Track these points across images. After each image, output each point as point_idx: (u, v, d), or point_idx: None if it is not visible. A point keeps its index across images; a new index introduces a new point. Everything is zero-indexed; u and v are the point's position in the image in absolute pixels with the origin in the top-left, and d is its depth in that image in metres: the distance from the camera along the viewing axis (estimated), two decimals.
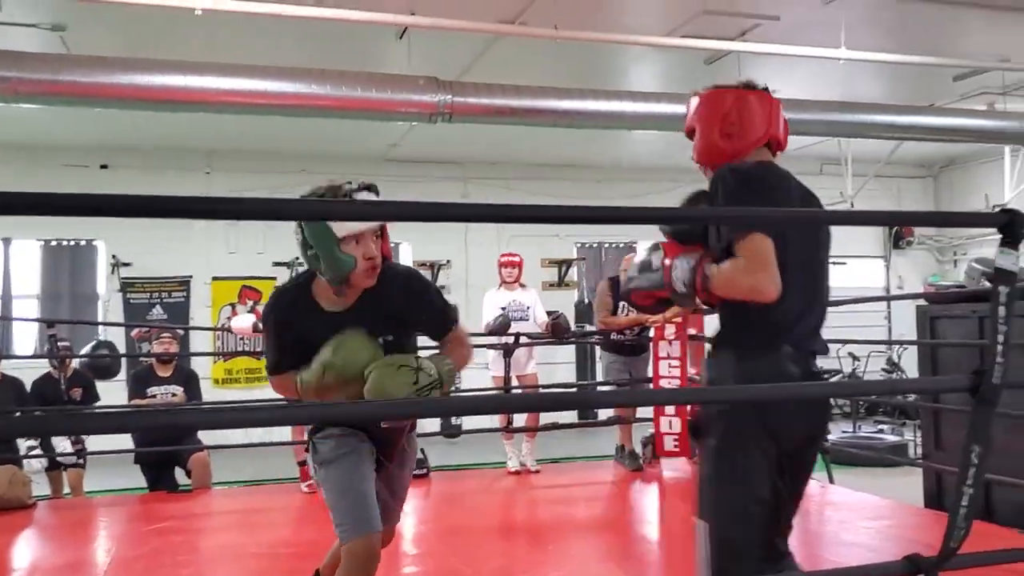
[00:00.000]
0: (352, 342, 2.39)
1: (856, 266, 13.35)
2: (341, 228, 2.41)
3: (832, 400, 12.20)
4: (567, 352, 11.08)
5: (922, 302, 5.83)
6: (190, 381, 6.28)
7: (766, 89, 2.35)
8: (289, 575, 4.01)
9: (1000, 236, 1.65)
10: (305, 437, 2.69)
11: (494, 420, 8.01)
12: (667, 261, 2.17)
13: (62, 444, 6.03)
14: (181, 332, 9.17)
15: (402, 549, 4.64)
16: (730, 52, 7.04)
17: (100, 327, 10.55)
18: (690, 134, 2.39)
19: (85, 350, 7.03)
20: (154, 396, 6.08)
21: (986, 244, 12.02)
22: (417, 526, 5.17)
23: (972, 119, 8.06)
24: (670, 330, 6.12)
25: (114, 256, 10.99)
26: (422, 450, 6.33)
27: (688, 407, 6.38)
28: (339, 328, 2.43)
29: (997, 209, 1.78)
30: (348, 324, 2.44)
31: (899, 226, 13.11)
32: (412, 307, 2.58)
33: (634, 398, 5.56)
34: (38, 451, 5.97)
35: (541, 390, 6.89)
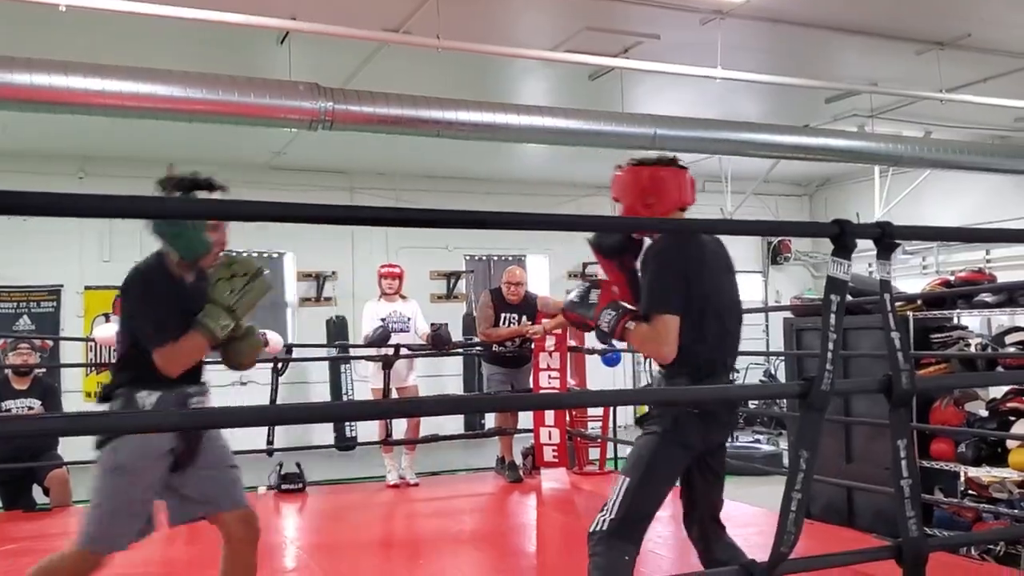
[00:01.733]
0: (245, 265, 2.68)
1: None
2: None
3: None
4: (454, 364, 11.02)
5: (789, 315, 6.04)
6: (48, 394, 5.95)
7: (675, 161, 2.85)
8: None
9: (833, 248, 1.71)
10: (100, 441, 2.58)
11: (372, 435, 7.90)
12: (599, 306, 2.68)
13: None
14: (40, 343, 8.71)
15: (275, 565, 4.50)
16: (613, 68, 7.16)
17: None
18: (616, 200, 2.87)
19: None
20: (9, 410, 5.75)
21: (860, 260, 12.61)
22: (291, 543, 5.03)
23: (843, 140, 8.41)
24: (550, 342, 6.16)
25: None
26: (297, 464, 6.20)
27: (567, 419, 6.44)
28: (198, 294, 2.65)
29: None
30: (201, 292, 2.66)
31: (741, 234, 13.59)
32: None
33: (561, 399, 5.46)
34: None
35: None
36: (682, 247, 2.66)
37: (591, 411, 6.99)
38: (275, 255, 11.80)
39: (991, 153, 9.38)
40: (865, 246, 1.79)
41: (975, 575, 4.19)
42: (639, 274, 2.75)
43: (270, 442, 6.02)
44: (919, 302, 5.14)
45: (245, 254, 12.13)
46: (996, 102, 8.04)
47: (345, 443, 10.29)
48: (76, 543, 2.55)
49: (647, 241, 2.77)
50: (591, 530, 2.53)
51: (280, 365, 6.14)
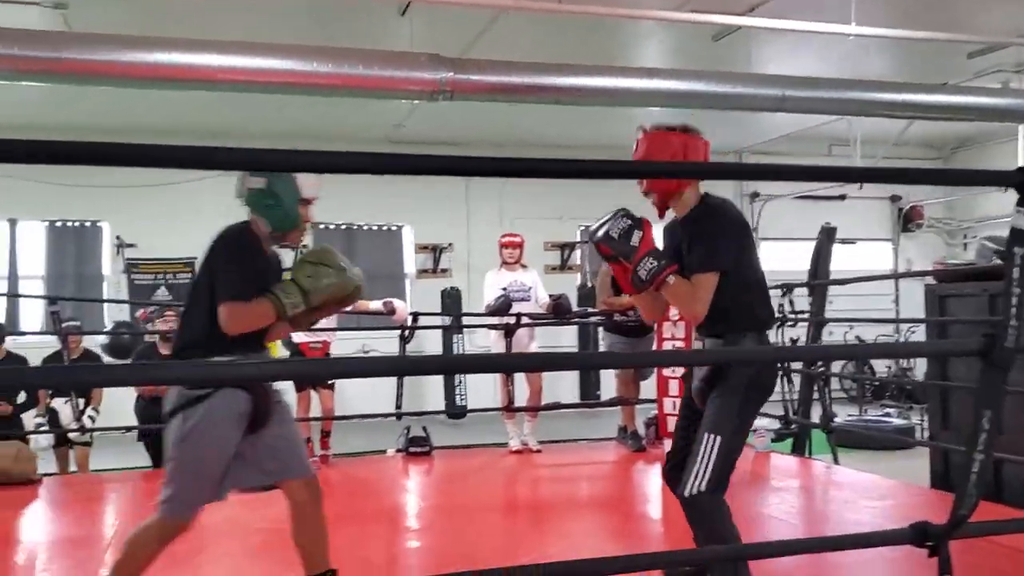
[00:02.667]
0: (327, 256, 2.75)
1: (864, 249, 13.25)
2: (306, 190, 2.75)
3: (840, 384, 12.15)
4: (570, 334, 11.03)
5: (931, 281, 5.74)
6: None
7: (698, 132, 2.84)
8: (289, 550, 3.98)
9: (1017, 198, 1.60)
10: (179, 398, 2.60)
11: (497, 402, 7.98)
12: (640, 251, 2.60)
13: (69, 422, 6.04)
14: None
15: (404, 525, 4.62)
16: (739, 28, 6.93)
17: (105, 308, 10.55)
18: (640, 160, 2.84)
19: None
20: None
21: (998, 227, 11.91)
22: (419, 503, 5.15)
23: (986, 97, 7.90)
24: (674, 311, 6.05)
25: (118, 237, 10.96)
26: (424, 428, 6.32)
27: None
28: (273, 269, 2.77)
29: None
30: (275, 266, 2.80)
31: (904, 182, 12.90)
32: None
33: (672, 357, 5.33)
34: (46, 428, 5.96)
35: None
36: (735, 211, 2.76)
37: None
38: (394, 228, 12.03)
39: None
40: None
41: None
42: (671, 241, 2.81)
43: (398, 406, 6.16)
44: None
45: (367, 227, 12.48)
46: None
47: (456, 411, 10.47)
48: (157, 511, 2.61)
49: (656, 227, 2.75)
50: (690, 493, 2.57)
51: (407, 333, 6.26)
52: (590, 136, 11.12)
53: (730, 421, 2.60)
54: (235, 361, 2.50)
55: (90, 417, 6.13)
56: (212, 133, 10.86)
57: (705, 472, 2.55)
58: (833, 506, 4.88)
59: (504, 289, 6.40)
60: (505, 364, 4.37)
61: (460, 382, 11.18)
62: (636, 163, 2.66)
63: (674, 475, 2.78)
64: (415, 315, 6.49)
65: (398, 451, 6.25)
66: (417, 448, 6.16)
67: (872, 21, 6.52)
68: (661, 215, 2.85)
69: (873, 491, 5.06)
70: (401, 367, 2.06)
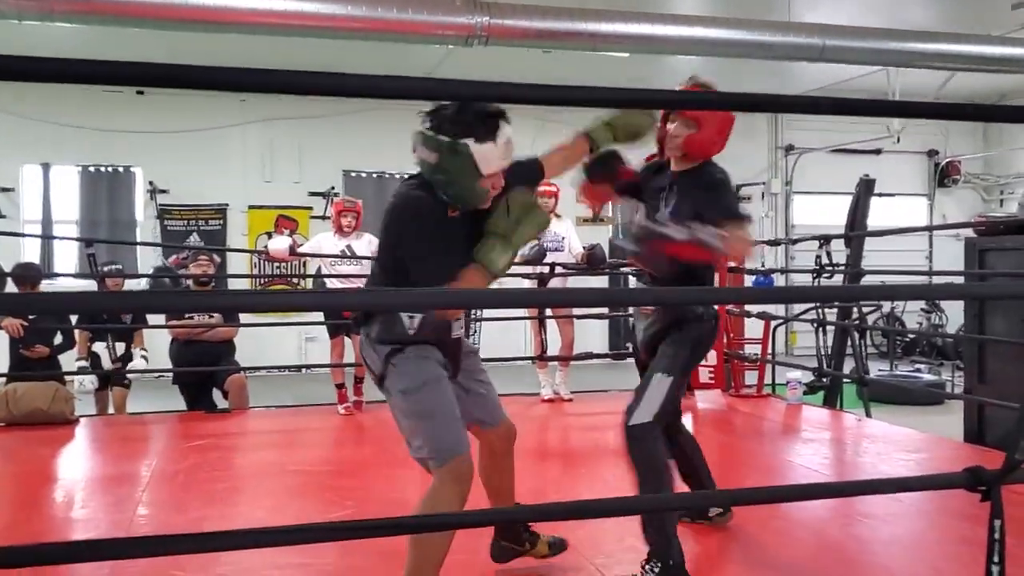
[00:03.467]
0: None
1: (899, 204, 13.07)
2: (487, 167, 2.41)
3: (871, 340, 12.07)
4: (601, 284, 11.01)
5: (970, 234, 5.65)
6: None
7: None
8: (326, 491, 4.07)
9: None
10: (378, 359, 2.53)
11: (527, 351, 8.01)
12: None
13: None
14: (218, 258, 9.21)
15: None
16: None
17: (139, 253, 10.66)
18: (690, 121, 2.93)
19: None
20: (191, 317, 6.13)
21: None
22: None
23: None
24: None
25: (151, 183, 11.02)
26: None
27: (724, 341, 6.33)
28: (460, 232, 2.46)
29: None
30: (465, 230, 2.46)
31: (943, 118, 12.59)
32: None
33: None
34: (89, 369, 6.06)
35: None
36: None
37: (748, 334, 6.83)
38: (406, 176, 11.97)
39: None
40: None
41: None
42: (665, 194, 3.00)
43: None
44: None
45: (399, 176, 12.42)
46: None
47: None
48: (435, 467, 2.46)
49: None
50: (635, 423, 2.83)
51: None
52: (625, 84, 10.98)
53: (680, 367, 2.91)
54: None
55: (143, 358, 6.22)
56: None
57: (652, 407, 2.83)
58: (867, 458, 4.87)
59: (538, 238, 6.37)
60: (532, 300, 4.40)
61: (475, 331, 11.22)
62: (686, 93, 2.77)
63: None
64: None
65: None
66: None
67: None
68: (663, 156, 3.11)
69: (907, 444, 5.05)
70: (435, 301, 2.01)
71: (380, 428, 5.66)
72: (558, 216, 6.63)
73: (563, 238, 6.47)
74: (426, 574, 2.45)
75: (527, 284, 6.46)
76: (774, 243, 9.91)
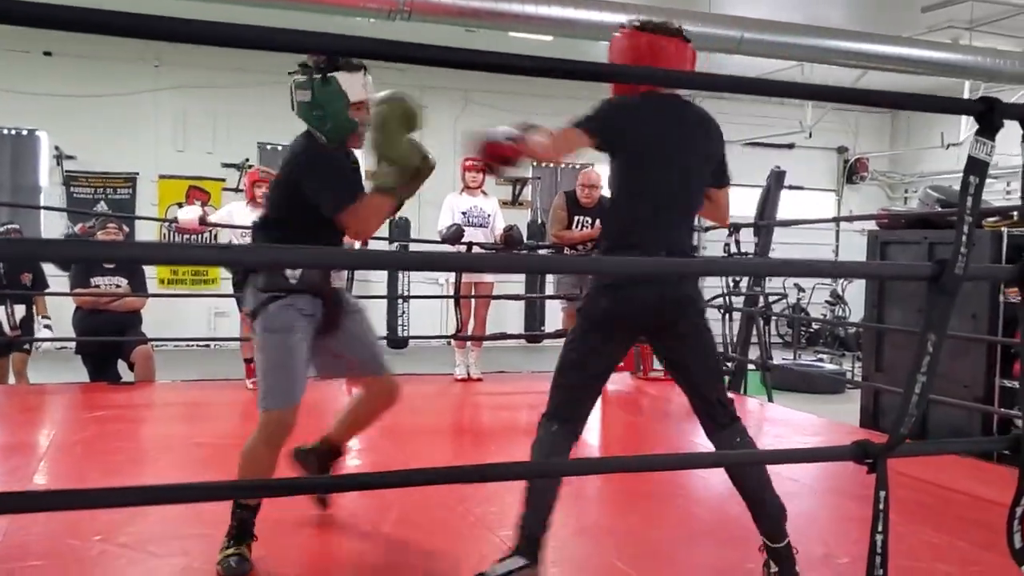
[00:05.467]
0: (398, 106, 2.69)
1: (809, 198, 13.49)
2: (353, 95, 2.71)
3: (776, 329, 12.41)
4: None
5: (874, 227, 5.88)
6: (136, 272, 6.12)
7: (680, 32, 2.56)
8: (232, 464, 3.99)
9: (977, 127, 1.63)
10: (255, 302, 2.71)
11: (442, 331, 8.01)
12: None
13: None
14: (127, 227, 8.93)
15: (348, 445, 4.65)
16: None
17: (43, 219, 10.26)
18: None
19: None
20: (98, 286, 5.93)
21: (938, 181, 12.20)
22: None
23: (938, 51, 8.05)
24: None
25: (57, 148, 10.60)
26: None
27: None
28: (347, 165, 2.79)
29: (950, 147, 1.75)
30: (354, 169, 2.83)
31: (866, 104, 13.09)
32: None
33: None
34: None
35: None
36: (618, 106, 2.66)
37: None
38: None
39: None
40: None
41: None
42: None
43: None
44: (1015, 216, 4.95)
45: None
46: None
47: (398, 340, 10.50)
48: (260, 409, 2.70)
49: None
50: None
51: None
52: None
53: (565, 352, 2.58)
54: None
55: (47, 327, 6.00)
56: (160, 45, 10.48)
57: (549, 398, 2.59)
58: (767, 439, 5.03)
59: (464, 213, 6.36)
60: (454, 263, 4.40)
61: (403, 312, 11.18)
62: (606, 65, 2.41)
63: None
64: (364, 242, 6.42)
65: None
66: None
67: None
68: None
69: (805, 428, 5.24)
70: (344, 260, 2.06)
71: None
72: (486, 194, 6.62)
73: (489, 215, 6.47)
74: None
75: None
76: None
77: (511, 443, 4.61)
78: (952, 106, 1.84)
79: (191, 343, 10.42)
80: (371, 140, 2.66)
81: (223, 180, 11.22)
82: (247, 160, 11.12)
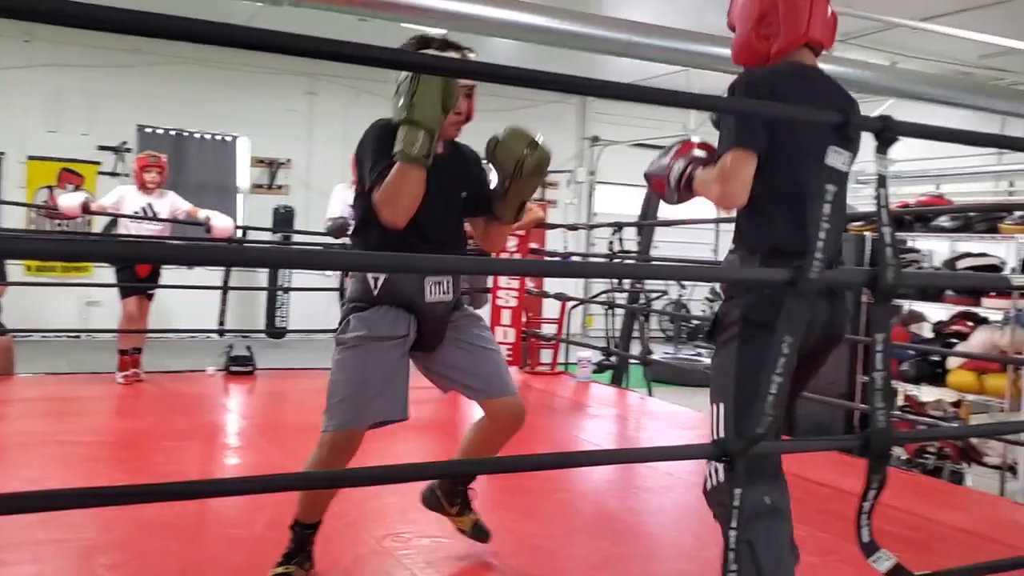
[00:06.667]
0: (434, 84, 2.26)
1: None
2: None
3: (658, 325, 12.74)
4: None
5: None
6: None
7: None
8: (96, 463, 3.84)
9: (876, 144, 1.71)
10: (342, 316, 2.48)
11: (324, 323, 7.83)
12: (675, 157, 2.23)
13: None
14: None
15: (222, 442, 4.53)
16: None
17: None
18: (731, 29, 2.32)
19: None
20: None
21: None
22: (239, 421, 5.04)
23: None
24: (511, 243, 6.15)
25: None
26: (248, 347, 6.18)
27: (522, 320, 6.50)
28: (445, 169, 2.41)
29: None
30: (442, 167, 2.38)
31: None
32: (480, 178, 2.61)
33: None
34: None
35: None
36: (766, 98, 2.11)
37: (546, 314, 7.05)
38: (228, 138, 11.49)
39: (955, 87, 9.45)
40: None
41: (906, 483, 4.38)
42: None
43: (221, 323, 5.97)
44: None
45: (199, 135, 11.88)
46: (967, 35, 8.05)
47: (276, 331, 10.32)
48: (322, 429, 2.44)
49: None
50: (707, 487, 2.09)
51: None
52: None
53: (729, 379, 2.05)
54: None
55: None
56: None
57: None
58: (646, 433, 5.16)
59: (352, 206, 6.25)
60: (338, 262, 4.28)
61: (282, 304, 10.97)
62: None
63: None
64: (244, 230, 6.27)
65: (218, 370, 6.07)
66: (239, 367, 6.01)
67: None
68: None
69: (683, 421, 5.39)
70: (227, 256, 1.94)
71: (162, 399, 5.41)
72: None
73: None
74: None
75: None
76: (573, 227, 10.32)
77: (394, 439, 4.57)
78: (810, 117, 1.91)
79: (60, 334, 9.94)
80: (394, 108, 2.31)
81: (99, 163, 10.73)
82: (125, 143, 10.68)
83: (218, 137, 11.39)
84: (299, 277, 10.61)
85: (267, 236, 10.12)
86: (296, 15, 6.90)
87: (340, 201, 6.30)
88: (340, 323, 2.49)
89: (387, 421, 2.45)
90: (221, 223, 5.73)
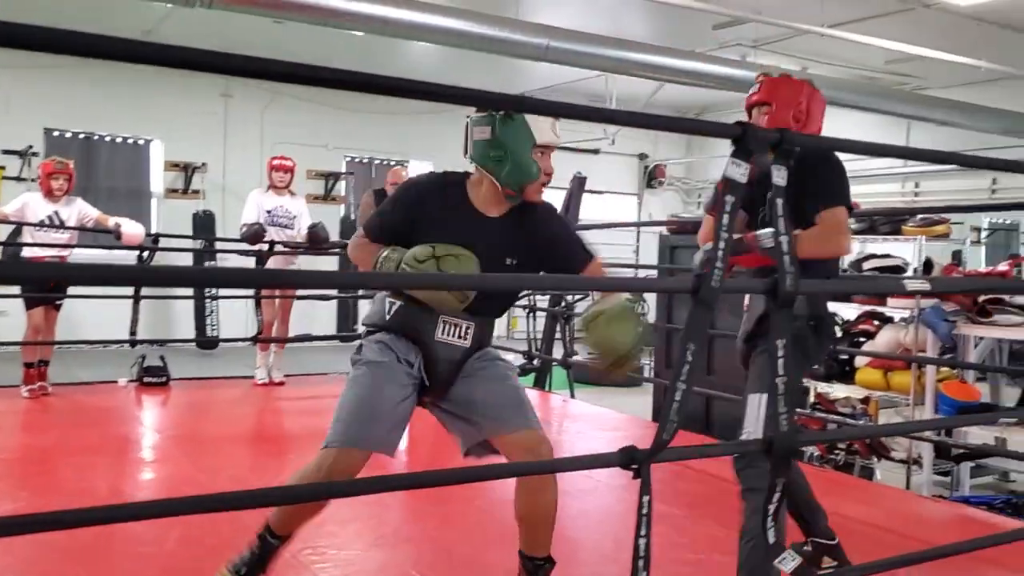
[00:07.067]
0: (467, 260, 2.26)
1: (613, 201, 14.11)
2: (540, 136, 2.38)
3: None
4: (331, 266, 10.83)
5: (665, 232, 6.21)
6: None
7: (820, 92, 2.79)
8: (12, 479, 3.69)
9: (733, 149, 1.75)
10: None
11: (249, 331, 7.73)
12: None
13: None
14: None
15: (135, 456, 4.40)
16: None
17: None
18: (758, 104, 2.77)
19: None
20: None
21: None
22: (152, 434, 4.91)
23: (727, 67, 8.56)
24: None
25: None
26: (161, 357, 6.03)
27: None
28: (481, 232, 2.36)
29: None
30: (492, 232, 2.38)
31: (642, 127, 13.80)
32: (550, 238, 2.51)
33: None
34: None
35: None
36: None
37: None
38: (141, 141, 11.17)
39: (862, 92, 9.77)
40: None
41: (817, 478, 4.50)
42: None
43: (133, 333, 5.80)
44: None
45: (110, 139, 11.48)
46: (872, 41, 8.33)
47: (207, 341, 10.05)
48: (322, 446, 2.31)
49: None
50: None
51: (146, 255, 5.89)
52: (358, 66, 10.78)
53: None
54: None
55: None
56: None
57: (755, 431, 2.43)
58: (567, 436, 5.19)
59: (269, 212, 6.17)
60: (255, 280, 4.18)
61: (212, 311, 10.72)
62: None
63: None
64: (156, 237, 6.11)
65: (130, 381, 5.90)
66: (152, 378, 5.86)
67: None
68: None
69: (604, 423, 5.45)
70: (135, 276, 1.87)
71: (70, 412, 5.23)
72: (293, 193, 6.45)
73: (295, 216, 6.29)
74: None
75: (243, 262, 6.24)
76: None
77: (313, 450, 4.51)
78: (713, 130, 1.96)
79: None
80: (426, 250, 2.28)
81: (2, 168, 10.32)
82: (31, 147, 10.29)
83: (130, 140, 11.07)
84: None
85: (187, 243, 9.90)
86: (210, 14, 6.75)
87: (255, 206, 6.20)
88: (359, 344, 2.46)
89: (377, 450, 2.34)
90: (131, 230, 5.58)
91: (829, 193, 2.58)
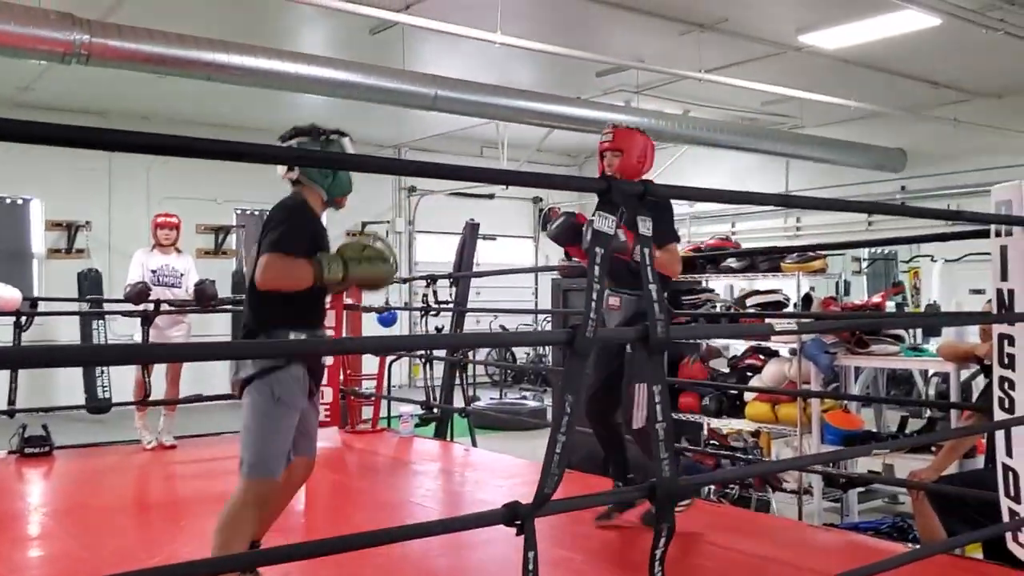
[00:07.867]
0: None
1: (509, 244, 14.27)
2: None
3: (484, 369, 12.87)
4: (224, 324, 10.56)
5: (558, 276, 6.31)
6: None
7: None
8: None
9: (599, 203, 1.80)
10: (254, 368, 2.74)
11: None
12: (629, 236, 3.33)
13: None
14: None
15: (15, 534, 4.16)
16: (395, 24, 7.03)
17: None
18: (611, 150, 3.69)
19: None
20: None
21: None
22: (36, 509, 4.66)
23: (611, 113, 8.82)
24: (326, 300, 6.05)
25: None
26: (44, 426, 5.75)
27: (340, 378, 6.40)
28: (323, 237, 2.90)
29: None
30: (324, 236, 2.92)
31: (512, 184, 14.14)
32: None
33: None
34: None
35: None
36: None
37: (365, 370, 6.95)
38: (20, 200, 10.73)
39: (741, 133, 10.21)
40: None
41: (714, 515, 4.60)
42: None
43: (11, 402, 5.53)
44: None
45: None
46: (748, 85, 8.72)
47: (98, 404, 9.62)
48: (245, 477, 2.68)
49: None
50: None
51: (24, 320, 5.63)
52: (247, 115, 10.72)
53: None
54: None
55: None
56: None
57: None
58: (467, 487, 5.17)
59: (154, 272, 5.97)
60: (151, 355, 4.01)
61: (103, 372, 10.29)
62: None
63: None
64: (33, 301, 5.86)
65: (10, 453, 5.60)
66: (34, 448, 5.57)
67: (517, 32, 6.95)
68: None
69: (505, 471, 5.44)
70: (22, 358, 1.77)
71: None
72: (179, 251, 6.26)
73: (181, 274, 6.11)
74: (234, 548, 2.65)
75: (131, 322, 6.03)
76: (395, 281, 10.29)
77: (208, 516, 4.36)
78: (580, 185, 2.03)
79: None
80: (349, 242, 2.86)
81: None
82: None
83: (8, 200, 10.63)
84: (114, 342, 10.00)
85: (71, 306, 9.49)
86: (88, 72, 6.60)
87: (139, 266, 6.02)
88: (258, 372, 2.72)
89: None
90: (5, 295, 5.34)
91: (670, 232, 3.54)
